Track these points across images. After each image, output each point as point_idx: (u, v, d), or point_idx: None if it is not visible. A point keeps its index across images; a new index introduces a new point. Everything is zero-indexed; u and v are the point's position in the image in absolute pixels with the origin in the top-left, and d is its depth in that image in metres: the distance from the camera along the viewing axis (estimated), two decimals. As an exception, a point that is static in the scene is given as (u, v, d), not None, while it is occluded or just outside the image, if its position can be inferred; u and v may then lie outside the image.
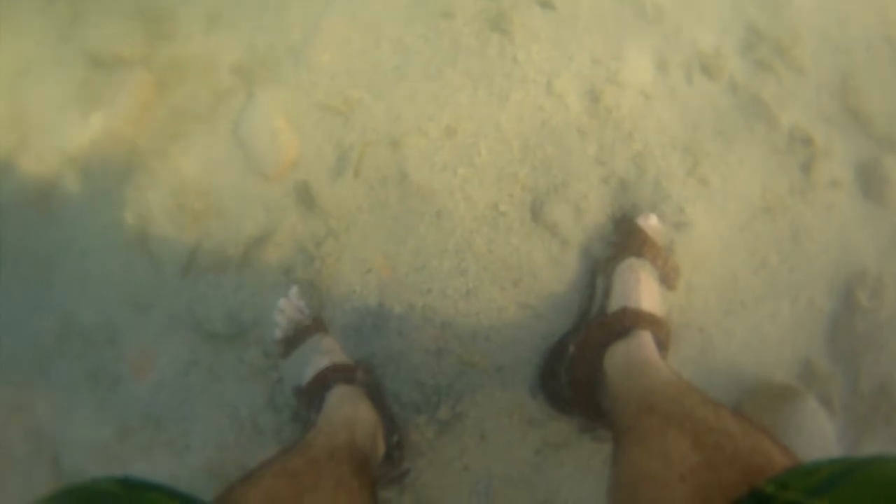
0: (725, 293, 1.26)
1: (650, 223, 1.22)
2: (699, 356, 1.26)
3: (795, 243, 1.32)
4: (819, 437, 1.29)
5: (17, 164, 1.65)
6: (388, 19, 1.41)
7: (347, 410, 1.07)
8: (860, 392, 1.34)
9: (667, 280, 1.23)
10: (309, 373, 1.15)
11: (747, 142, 1.31)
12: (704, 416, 0.72)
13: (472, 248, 1.21)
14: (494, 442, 1.22)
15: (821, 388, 1.32)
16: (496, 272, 1.21)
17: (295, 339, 1.23)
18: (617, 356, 1.06)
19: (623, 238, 1.22)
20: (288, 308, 1.26)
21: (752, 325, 1.28)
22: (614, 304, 1.16)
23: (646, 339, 1.07)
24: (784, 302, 1.30)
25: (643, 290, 1.16)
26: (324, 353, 1.18)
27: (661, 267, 1.22)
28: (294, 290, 1.27)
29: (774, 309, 1.29)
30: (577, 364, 1.12)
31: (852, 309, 1.34)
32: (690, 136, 1.29)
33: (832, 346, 1.33)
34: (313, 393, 1.12)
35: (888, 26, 1.53)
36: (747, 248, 1.29)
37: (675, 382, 0.90)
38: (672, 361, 1.25)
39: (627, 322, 1.09)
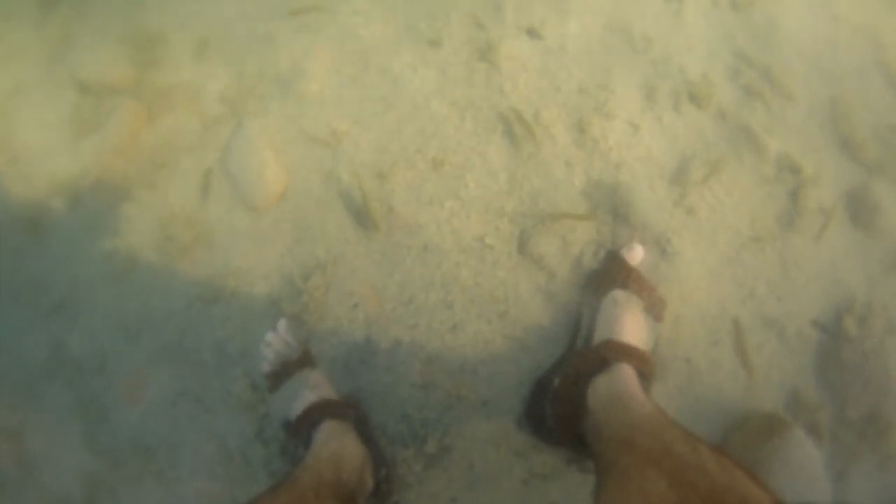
0: (713, 324, 1.28)
1: (636, 255, 1.24)
2: (686, 386, 1.27)
3: (784, 273, 1.33)
4: (807, 467, 1.30)
5: (7, 187, 1.66)
6: (376, 48, 1.42)
7: (334, 446, 1.09)
8: (848, 421, 1.35)
9: (653, 311, 1.24)
10: (297, 408, 1.16)
11: (736, 171, 1.33)
12: (683, 453, 0.74)
13: (459, 281, 1.23)
14: (482, 474, 1.24)
15: (808, 418, 1.33)
16: (483, 305, 1.22)
17: (283, 372, 1.25)
18: (599, 389, 1.08)
19: (609, 270, 1.23)
20: (276, 341, 1.27)
21: (739, 356, 1.29)
22: (599, 336, 1.17)
23: (628, 372, 1.09)
24: (772, 332, 1.31)
25: (627, 322, 1.18)
26: (312, 388, 1.20)
27: (647, 298, 1.23)
28: (282, 324, 1.28)
29: (762, 339, 1.31)
30: (562, 397, 1.14)
31: (841, 338, 1.35)
32: (678, 166, 1.30)
33: (820, 376, 1.34)
34: (302, 428, 1.14)
35: (880, 51, 1.54)
36: (735, 278, 1.30)
37: (655, 417, 0.92)
38: (659, 392, 1.26)
39: (610, 355, 1.10)
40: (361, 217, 1.29)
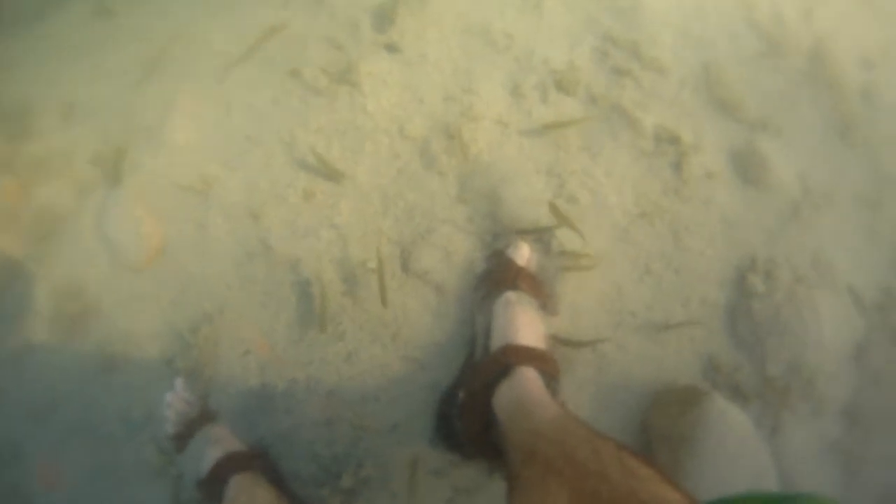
0: (613, 307, 1.27)
1: (521, 253, 1.23)
2: (596, 376, 1.26)
3: (678, 243, 1.33)
4: (734, 432, 1.29)
5: None
6: (237, 87, 1.42)
7: (244, 501, 1.06)
8: (770, 376, 1.36)
9: (547, 307, 1.24)
10: (205, 466, 1.15)
11: (612, 151, 1.33)
12: (584, 460, 0.74)
13: (346, 310, 1.21)
14: (405, 500, 1.22)
15: (729, 381, 1.34)
16: (374, 330, 1.21)
17: (186, 432, 1.23)
18: (502, 397, 1.07)
19: (496, 273, 1.23)
20: (175, 401, 1.25)
21: (645, 333, 1.29)
22: (496, 342, 1.16)
23: (530, 375, 1.08)
24: (676, 304, 1.31)
25: (522, 324, 1.17)
26: (215, 444, 1.19)
27: (539, 296, 1.23)
28: (178, 382, 1.27)
29: (667, 313, 1.30)
30: (468, 410, 1.12)
31: (748, 296, 1.36)
32: (553, 157, 1.30)
33: (733, 337, 1.35)
34: (212, 485, 1.13)
35: (748, 10, 1.57)
36: (628, 257, 1.30)
37: (558, 421, 0.91)
38: (570, 386, 1.25)
39: (510, 360, 1.09)
40: (240, 263, 1.28)
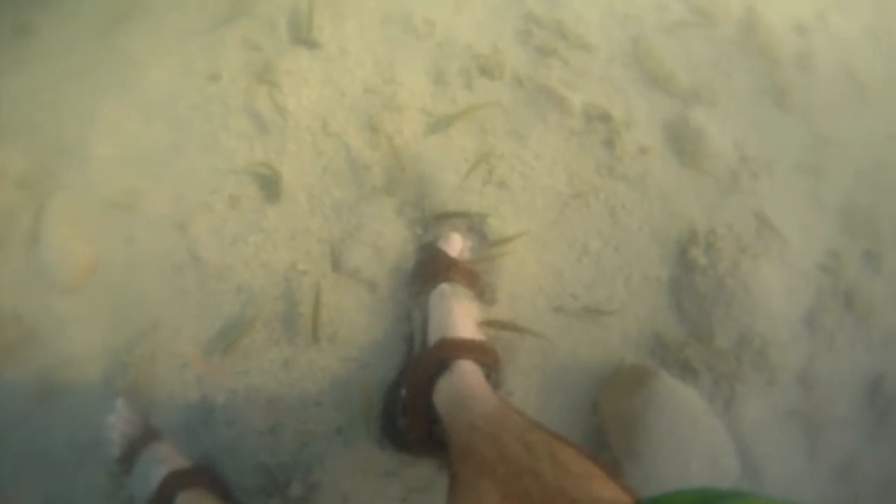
0: (552, 291, 1.26)
1: (453, 244, 1.22)
2: (541, 362, 1.25)
3: (614, 221, 1.32)
4: (684, 409, 1.28)
5: None
6: (157, 95, 1.38)
7: None
8: (720, 349, 1.35)
9: (484, 297, 1.22)
10: (152, 485, 1.13)
11: (541, 133, 1.32)
12: (517, 457, 0.73)
13: (280, 315, 1.19)
14: (357, 503, 1.20)
15: (677, 357, 1.32)
16: (309, 333, 1.18)
17: (132, 452, 1.21)
18: (441, 393, 1.06)
19: (429, 266, 1.21)
20: (118, 422, 1.23)
21: (588, 315, 1.27)
22: (432, 337, 1.15)
23: (467, 368, 1.06)
24: (617, 282, 1.30)
25: (458, 316, 1.15)
26: (160, 462, 1.17)
27: (474, 286, 1.21)
28: (119, 403, 1.24)
29: (608, 292, 1.29)
30: (411, 408, 1.11)
31: (691, 270, 1.35)
32: (480, 142, 1.28)
33: (679, 313, 1.34)
34: None
35: (674, -21, 1.55)
36: (565, 239, 1.28)
37: (494, 415, 0.90)
38: (515, 374, 1.24)
39: (447, 354, 1.08)
40: (171, 276, 1.25)
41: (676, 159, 1.40)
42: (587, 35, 1.42)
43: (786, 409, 1.47)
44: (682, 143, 1.42)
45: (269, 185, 1.27)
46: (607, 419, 1.30)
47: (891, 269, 1.63)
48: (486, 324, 1.20)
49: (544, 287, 1.26)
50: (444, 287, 1.19)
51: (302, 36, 1.35)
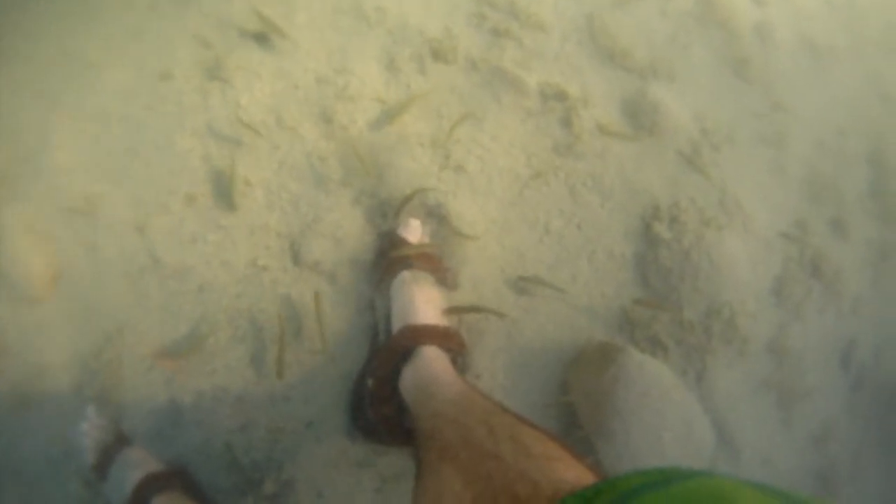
0: (515, 272, 1.26)
1: (412, 230, 1.21)
2: (508, 343, 1.25)
3: (575, 199, 1.32)
4: (654, 385, 1.28)
5: None
6: (112, 97, 1.37)
7: None
8: (688, 323, 1.36)
9: (446, 282, 1.22)
10: (127, 491, 1.13)
11: (497, 115, 1.31)
12: (480, 440, 0.73)
13: (243, 312, 1.18)
14: (332, 497, 1.20)
15: (646, 333, 1.33)
16: (274, 329, 1.18)
17: (106, 459, 1.21)
18: (407, 380, 1.06)
19: (390, 253, 1.20)
20: (90, 430, 1.23)
21: (553, 294, 1.27)
22: (396, 325, 1.15)
23: (431, 354, 1.06)
24: (581, 260, 1.30)
25: (420, 303, 1.15)
26: (134, 467, 1.17)
27: (436, 271, 1.21)
28: (90, 410, 1.24)
29: (573, 271, 1.29)
30: (379, 398, 1.11)
31: (655, 244, 1.35)
32: (436, 127, 1.28)
33: (645, 288, 1.34)
34: None
35: (627, -45, 1.54)
36: (525, 220, 1.29)
37: (459, 399, 0.90)
38: (482, 357, 1.24)
39: (411, 342, 1.08)
40: (133, 280, 1.24)
41: (636, 135, 1.40)
42: (540, 14, 1.42)
43: (758, 379, 1.48)
44: (641, 118, 1.42)
45: (225, 183, 1.26)
46: (577, 398, 1.30)
47: (857, 236, 1.64)
48: (450, 309, 1.20)
49: (506, 269, 1.26)
50: (405, 274, 1.19)
51: (252, 30, 1.34)
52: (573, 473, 0.63)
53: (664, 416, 1.29)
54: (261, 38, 1.34)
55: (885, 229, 1.72)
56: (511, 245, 1.27)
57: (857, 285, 1.67)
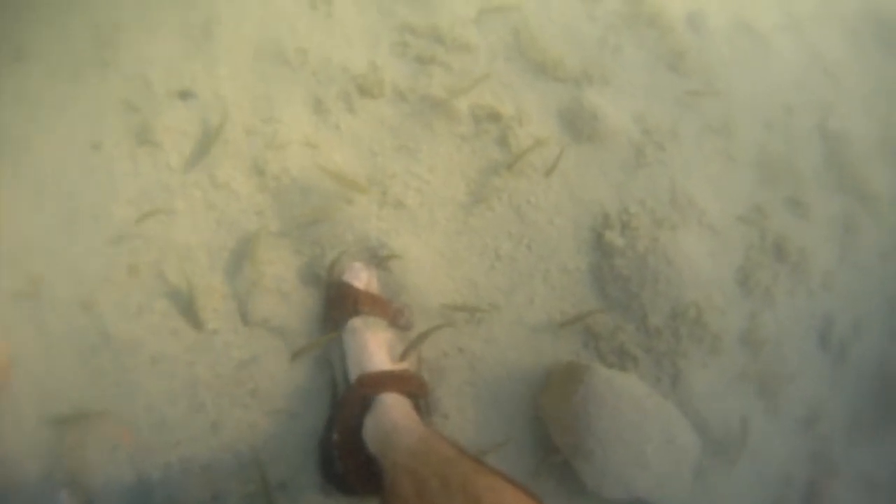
0: (469, 302, 1.24)
1: (357, 275, 1.20)
2: (472, 377, 1.24)
3: (522, 220, 1.31)
4: (626, 396, 1.27)
5: None
6: (45, 172, 1.35)
7: None
8: (654, 328, 1.34)
9: (398, 323, 1.20)
10: None
11: (431, 144, 1.30)
12: (434, 494, 0.77)
13: (199, 379, 1.17)
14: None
15: (612, 345, 1.31)
16: (231, 393, 1.17)
17: (82, 543, 1.19)
18: (369, 430, 1.05)
19: (336, 301, 1.19)
20: (65, 516, 1.21)
21: (511, 320, 1.27)
22: (352, 374, 1.13)
23: (389, 402, 1.05)
24: (536, 281, 1.29)
25: (373, 349, 1.14)
26: None
27: (385, 314, 1.19)
28: (63, 496, 1.22)
29: (529, 293, 1.28)
30: (345, 450, 1.10)
31: (609, 254, 1.33)
32: (370, 164, 1.26)
33: (605, 299, 1.33)
34: None
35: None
36: (474, 248, 1.27)
37: (416, 449, 0.91)
38: (448, 394, 1.23)
39: (367, 391, 1.07)
40: (86, 358, 1.23)
41: (575, 144, 1.39)
42: (465, 35, 1.40)
43: (735, 373, 1.46)
44: (580, 127, 1.40)
45: (166, 250, 1.25)
46: (550, 423, 1.29)
47: (818, 212, 1.63)
48: (404, 351, 1.18)
49: (459, 300, 1.25)
50: (355, 321, 1.17)
51: (176, 88, 1.32)
52: None
53: (641, 429, 1.27)
54: (185, 96, 1.32)
55: (845, 200, 1.71)
56: (462, 276, 1.25)
57: (824, 261, 1.65)
